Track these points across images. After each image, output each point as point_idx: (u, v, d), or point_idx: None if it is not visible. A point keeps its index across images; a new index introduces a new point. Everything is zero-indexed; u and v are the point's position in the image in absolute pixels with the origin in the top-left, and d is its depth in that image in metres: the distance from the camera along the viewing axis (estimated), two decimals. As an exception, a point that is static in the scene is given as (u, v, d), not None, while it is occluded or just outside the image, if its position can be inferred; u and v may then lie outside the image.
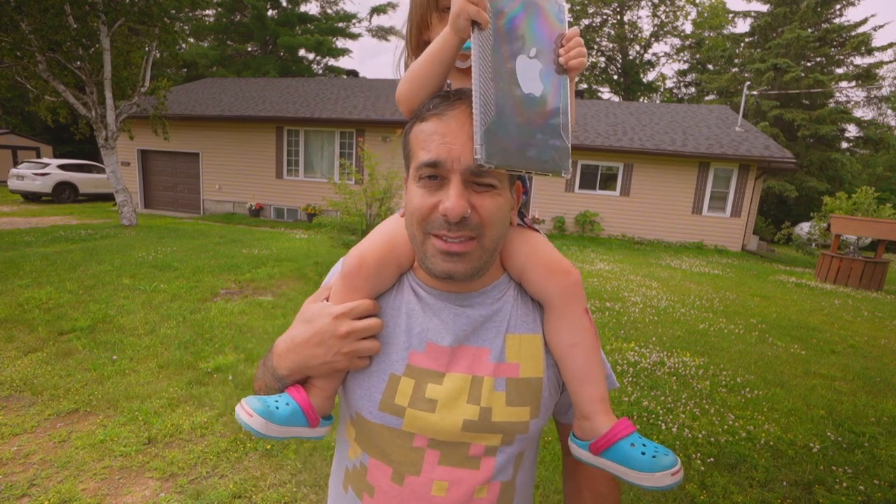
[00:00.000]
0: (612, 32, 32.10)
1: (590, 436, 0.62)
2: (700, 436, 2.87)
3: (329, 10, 29.94)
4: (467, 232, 0.57)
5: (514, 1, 0.55)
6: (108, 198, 15.97)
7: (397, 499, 0.63)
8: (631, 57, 32.68)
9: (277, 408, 0.59)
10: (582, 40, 0.59)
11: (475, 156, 0.51)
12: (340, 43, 29.57)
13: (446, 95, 0.59)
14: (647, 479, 0.56)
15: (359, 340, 0.62)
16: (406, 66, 0.72)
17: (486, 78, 0.52)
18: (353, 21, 29.46)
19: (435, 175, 0.57)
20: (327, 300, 0.66)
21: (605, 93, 33.89)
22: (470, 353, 0.64)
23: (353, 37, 29.71)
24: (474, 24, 0.52)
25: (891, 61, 23.29)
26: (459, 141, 0.55)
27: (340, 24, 29.07)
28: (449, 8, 0.57)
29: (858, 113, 25.60)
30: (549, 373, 0.66)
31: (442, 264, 0.59)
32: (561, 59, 0.58)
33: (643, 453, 0.57)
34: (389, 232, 0.66)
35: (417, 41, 0.70)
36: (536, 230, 0.70)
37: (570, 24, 0.59)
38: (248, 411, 0.58)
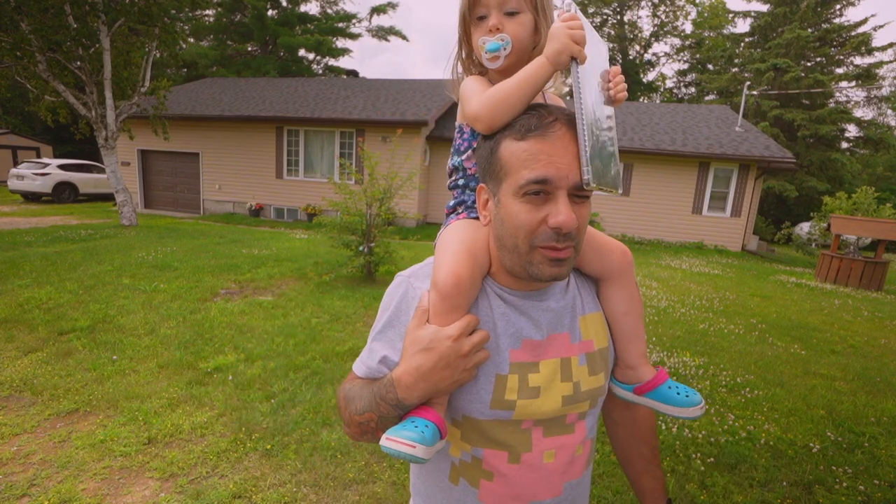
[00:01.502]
0: (612, 32, 32.10)
1: (634, 381, 0.79)
2: (700, 436, 2.87)
3: (329, 10, 29.95)
4: (570, 241, 0.64)
5: (594, 46, 0.64)
6: (108, 198, 15.97)
7: (517, 475, 0.72)
8: (631, 57, 32.67)
9: (424, 433, 0.62)
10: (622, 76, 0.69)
11: (584, 177, 0.60)
12: (340, 43, 29.60)
13: (539, 115, 0.64)
14: (682, 412, 0.76)
15: (476, 354, 0.67)
16: (458, 70, 0.79)
17: (588, 109, 0.61)
18: (353, 21, 29.48)
19: (540, 191, 0.62)
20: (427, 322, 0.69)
21: (605, 93, 33.88)
22: (557, 340, 0.73)
23: (353, 37, 29.72)
24: (573, 59, 0.61)
25: (891, 61, 23.30)
26: (565, 161, 0.62)
27: (340, 24, 29.07)
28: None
29: (858, 113, 25.62)
30: (609, 340, 0.79)
31: (549, 270, 0.65)
32: (611, 93, 0.69)
33: (678, 394, 0.77)
34: (468, 244, 0.70)
35: (468, 50, 0.77)
36: None
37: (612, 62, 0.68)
38: (408, 444, 0.60)
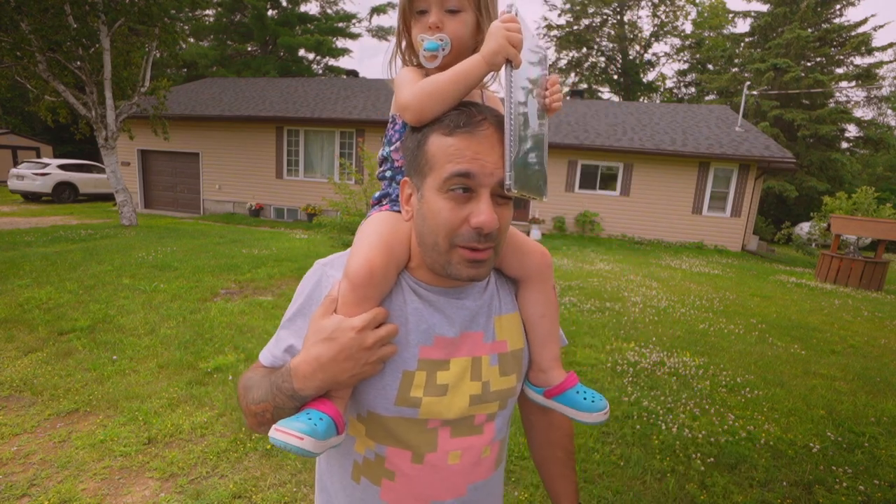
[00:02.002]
0: (612, 32, 32.09)
1: (544, 384, 0.78)
2: (700, 436, 2.87)
3: (329, 10, 29.95)
4: (491, 242, 0.64)
5: (528, 44, 0.63)
6: (108, 198, 15.97)
7: (419, 476, 0.70)
8: (631, 57, 32.67)
9: (316, 425, 0.59)
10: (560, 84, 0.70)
11: (506, 182, 0.60)
12: (340, 43, 29.60)
13: (469, 112, 0.63)
14: (586, 416, 0.74)
15: (380, 347, 0.64)
16: (395, 65, 0.76)
17: (515, 115, 0.60)
18: (353, 21, 29.48)
19: (465, 187, 0.61)
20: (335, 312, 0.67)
21: (605, 93, 33.92)
22: (470, 338, 0.72)
23: (353, 37, 29.72)
24: (507, 61, 0.60)
25: (891, 61, 23.31)
26: (491, 160, 0.61)
27: (340, 24, 29.07)
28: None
29: (858, 113, 25.62)
30: (525, 342, 0.79)
31: (467, 271, 0.64)
32: (546, 101, 0.68)
33: (584, 398, 0.75)
34: (386, 236, 0.68)
35: (408, 42, 0.74)
36: None
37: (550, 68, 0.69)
38: (296, 435, 0.57)
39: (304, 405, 0.63)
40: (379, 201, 0.76)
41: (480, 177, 0.61)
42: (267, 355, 0.73)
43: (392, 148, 0.74)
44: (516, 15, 0.61)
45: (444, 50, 0.67)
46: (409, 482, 0.70)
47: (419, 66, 0.72)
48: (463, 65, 0.63)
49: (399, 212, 0.72)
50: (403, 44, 0.75)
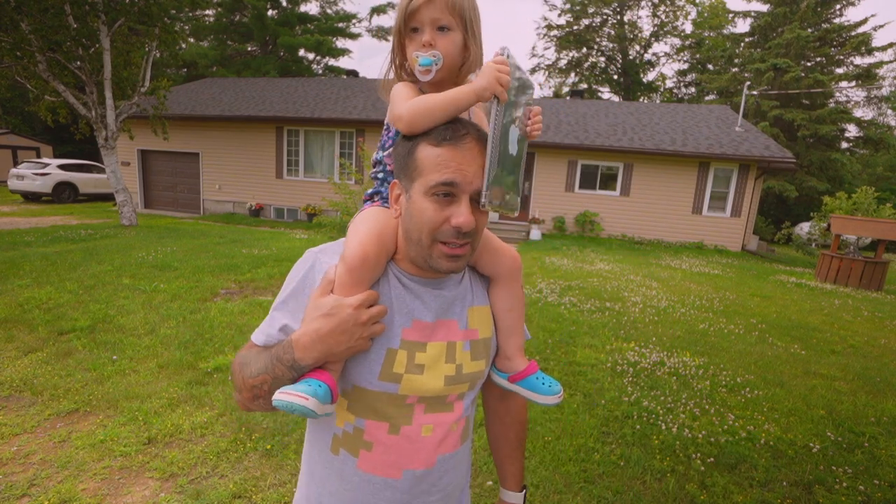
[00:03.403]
0: (612, 32, 32.09)
1: (509, 370, 0.88)
2: (700, 436, 2.87)
3: (329, 10, 29.95)
4: (467, 240, 0.73)
5: (515, 81, 0.71)
6: (108, 198, 15.97)
7: (395, 445, 0.78)
8: (631, 57, 32.67)
9: (317, 390, 0.67)
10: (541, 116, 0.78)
11: (482, 199, 0.70)
12: (340, 43, 29.60)
13: (454, 128, 0.71)
14: (543, 399, 0.85)
15: (373, 324, 0.73)
16: (389, 76, 0.85)
17: (496, 141, 0.70)
18: (353, 21, 29.48)
19: (449, 193, 0.70)
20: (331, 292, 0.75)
21: (605, 93, 33.91)
22: (445, 325, 0.80)
23: (353, 37, 29.73)
24: (494, 97, 0.69)
25: (891, 61, 23.29)
26: (471, 170, 0.70)
27: (340, 24, 29.07)
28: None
29: (858, 113, 25.62)
30: (493, 332, 0.88)
31: (446, 264, 0.73)
32: (528, 129, 0.76)
33: (543, 384, 0.86)
34: (378, 228, 0.77)
35: (401, 59, 0.82)
36: None
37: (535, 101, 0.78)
38: (301, 396, 0.65)
39: (302, 376, 0.70)
40: (371, 198, 0.85)
41: (462, 185, 0.70)
42: (260, 335, 0.79)
43: (385, 153, 0.82)
44: (508, 57, 0.70)
45: (436, 65, 0.75)
46: (385, 451, 0.78)
47: (412, 81, 0.80)
48: (455, 92, 0.71)
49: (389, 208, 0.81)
50: (398, 61, 0.82)
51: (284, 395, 0.65)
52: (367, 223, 0.77)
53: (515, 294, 0.87)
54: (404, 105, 0.73)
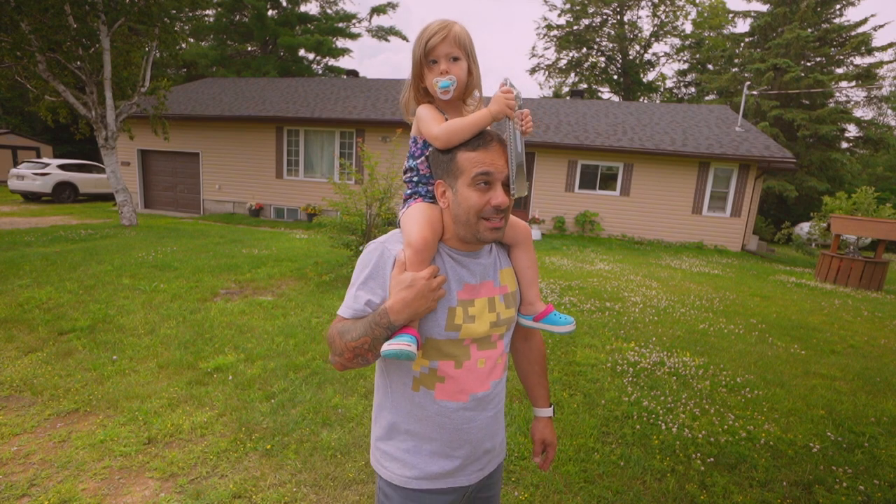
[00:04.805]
0: (612, 32, 32.06)
1: (532, 313, 1.15)
2: (700, 436, 2.87)
3: (329, 10, 29.92)
4: (503, 214, 0.98)
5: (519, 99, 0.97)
6: (108, 198, 15.97)
7: (460, 376, 1.04)
8: (631, 57, 32.65)
9: (411, 340, 0.92)
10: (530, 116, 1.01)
11: (511, 190, 0.97)
12: (340, 43, 29.56)
13: (483, 136, 0.96)
14: (562, 328, 1.12)
15: (439, 290, 0.97)
16: (410, 104, 1.09)
17: (513, 147, 0.95)
18: (353, 21, 29.45)
19: (486, 181, 0.95)
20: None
21: (605, 93, 33.88)
22: (485, 285, 1.07)
23: (353, 37, 29.69)
24: (508, 118, 0.95)
25: (891, 61, 23.25)
26: (500, 163, 0.96)
27: (340, 24, 29.04)
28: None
29: (858, 113, 25.60)
30: (517, 286, 1.15)
31: (491, 235, 0.99)
32: (523, 128, 0.98)
33: (560, 319, 1.13)
34: (428, 218, 1.01)
35: (418, 87, 1.05)
36: None
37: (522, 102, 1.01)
38: (406, 344, 0.90)
39: (394, 333, 0.94)
40: (411, 196, 1.08)
41: (495, 174, 0.95)
42: (347, 310, 1.02)
43: (418, 161, 1.06)
44: (510, 86, 0.95)
45: (453, 87, 0.99)
46: (454, 382, 1.04)
47: (429, 102, 1.04)
48: (476, 116, 0.95)
49: (430, 202, 1.05)
50: (418, 87, 1.05)
51: (392, 346, 0.90)
52: (419, 215, 1.01)
53: (530, 255, 1.14)
54: (438, 128, 0.97)
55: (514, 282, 1.15)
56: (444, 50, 0.99)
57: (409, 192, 1.09)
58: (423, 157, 1.05)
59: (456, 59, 1.00)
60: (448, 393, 1.04)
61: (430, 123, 0.98)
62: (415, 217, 1.01)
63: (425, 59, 1.00)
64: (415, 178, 1.07)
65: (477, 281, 1.05)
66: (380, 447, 1.12)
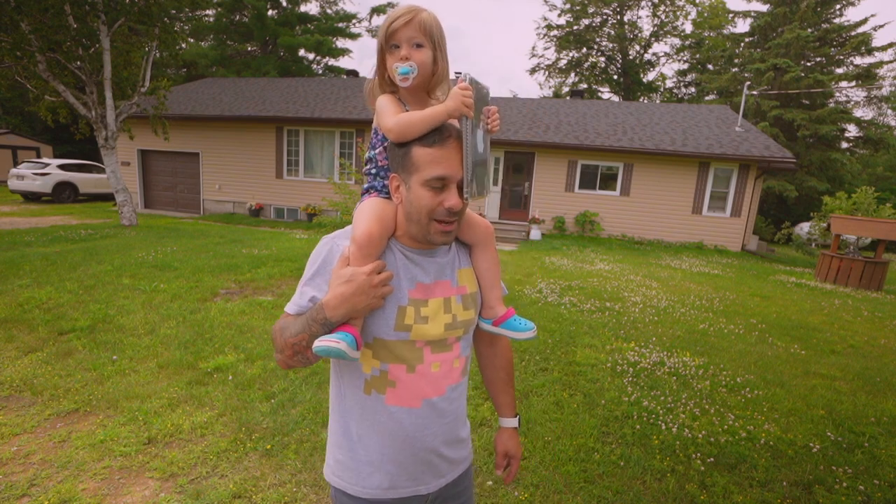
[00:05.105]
0: (612, 32, 32.06)
1: (492, 316, 1.09)
2: (700, 436, 2.87)
3: (329, 10, 29.93)
4: (455, 217, 0.94)
5: (475, 94, 0.89)
6: (108, 198, 15.97)
7: (413, 381, 0.99)
8: (631, 57, 32.65)
9: (345, 338, 0.86)
10: (498, 113, 0.98)
11: (465, 192, 0.91)
12: (340, 43, 29.57)
13: (440, 132, 0.90)
14: (521, 335, 1.06)
15: (383, 286, 0.91)
16: (374, 91, 1.01)
17: (470, 145, 0.89)
18: (353, 21, 29.46)
19: (440, 185, 0.90)
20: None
21: (605, 93, 33.88)
22: (441, 284, 1.01)
23: (353, 37, 29.70)
24: (463, 116, 0.88)
25: (891, 61, 23.25)
26: (456, 164, 0.90)
27: (340, 24, 29.05)
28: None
29: (858, 113, 25.61)
30: (478, 287, 1.09)
31: (441, 238, 0.95)
32: (489, 126, 0.97)
33: (519, 324, 1.07)
34: (379, 213, 0.96)
35: (382, 75, 0.98)
36: None
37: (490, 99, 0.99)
38: (335, 341, 0.84)
39: (332, 330, 0.88)
40: (367, 191, 1.03)
41: (450, 177, 0.90)
42: (293, 306, 0.98)
43: (376, 152, 0.99)
44: (470, 81, 0.89)
45: (413, 74, 0.91)
46: (406, 386, 0.98)
47: (393, 91, 0.97)
48: (432, 111, 0.88)
49: (385, 197, 0.99)
50: (382, 74, 0.98)
51: (322, 342, 0.85)
52: (370, 210, 0.96)
53: (491, 256, 1.09)
54: (392, 119, 0.90)
55: (475, 282, 1.09)
56: (406, 34, 0.91)
57: (366, 185, 1.04)
58: (381, 148, 0.99)
59: (419, 45, 0.92)
60: (399, 398, 0.99)
61: (385, 114, 0.92)
62: (364, 212, 0.96)
63: (386, 43, 0.93)
64: (373, 171, 1.01)
65: (431, 280, 1.00)
66: (333, 453, 1.07)
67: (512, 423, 1.23)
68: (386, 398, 0.99)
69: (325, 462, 1.11)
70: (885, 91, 25.01)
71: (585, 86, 32.61)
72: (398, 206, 0.97)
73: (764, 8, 24.60)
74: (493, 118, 0.96)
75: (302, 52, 28.94)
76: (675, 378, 3.73)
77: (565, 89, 33.70)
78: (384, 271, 0.93)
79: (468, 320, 1.05)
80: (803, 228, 14.91)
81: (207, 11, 26.62)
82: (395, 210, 0.98)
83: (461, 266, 1.06)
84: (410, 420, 1.00)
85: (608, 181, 13.29)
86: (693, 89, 31.43)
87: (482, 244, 1.08)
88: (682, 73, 32.14)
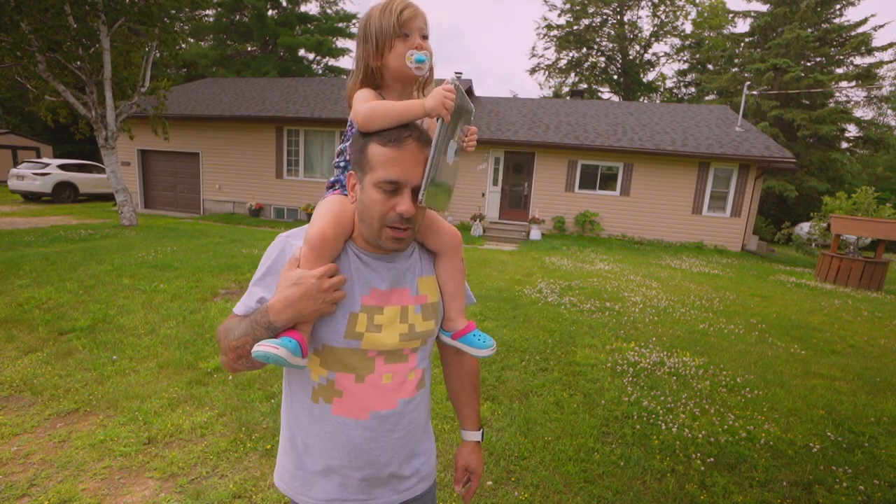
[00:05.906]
0: (612, 32, 32.07)
1: (452, 329, 1.04)
2: (700, 436, 2.87)
3: (329, 10, 29.94)
4: (409, 224, 0.87)
5: (458, 105, 0.85)
6: (108, 198, 15.97)
7: (361, 392, 0.93)
8: (631, 57, 32.65)
9: (287, 343, 0.81)
10: (477, 134, 0.95)
11: (419, 197, 0.83)
12: (340, 43, 29.59)
13: (399, 130, 0.84)
14: (478, 352, 1.01)
15: (334, 291, 0.86)
16: (356, 87, 0.96)
17: (438, 152, 0.83)
18: (353, 21, 29.46)
19: (392, 189, 0.84)
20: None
21: (605, 93, 33.88)
22: (398, 292, 0.95)
23: (353, 37, 29.70)
24: (439, 117, 0.83)
25: (891, 61, 23.26)
26: (410, 168, 0.84)
27: (340, 24, 29.07)
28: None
29: (858, 113, 25.61)
30: (440, 297, 1.03)
31: (392, 244, 0.89)
32: (464, 144, 0.92)
33: (479, 340, 1.02)
34: (336, 212, 0.91)
35: (367, 70, 0.93)
36: None
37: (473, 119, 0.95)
38: (274, 347, 0.79)
39: (277, 335, 0.83)
40: (332, 185, 0.98)
41: (404, 182, 0.84)
42: (241, 307, 0.92)
43: (347, 144, 0.94)
44: (455, 87, 0.83)
45: (429, 60, 0.89)
46: (353, 397, 0.93)
47: (374, 88, 0.93)
48: (408, 104, 0.84)
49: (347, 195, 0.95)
50: (376, 63, 0.92)
51: (261, 348, 0.79)
52: (327, 209, 0.91)
53: (456, 266, 1.03)
54: (363, 107, 0.86)
55: (437, 292, 1.02)
56: (418, 24, 0.89)
57: (332, 179, 0.99)
58: (351, 141, 0.93)
59: (425, 36, 0.91)
60: (346, 409, 0.93)
61: (359, 102, 0.88)
62: (322, 210, 0.92)
63: (399, 29, 0.88)
64: (342, 164, 0.97)
65: (387, 287, 0.94)
66: (280, 460, 1.03)
67: (475, 436, 1.17)
68: (333, 408, 0.94)
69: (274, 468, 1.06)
70: (884, 91, 25.02)
71: (585, 86, 32.61)
72: (354, 205, 0.91)
73: (764, 8, 24.61)
74: (471, 138, 0.93)
75: (302, 52, 28.95)
76: (675, 378, 3.73)
77: (565, 89, 33.71)
78: (337, 275, 0.88)
79: (427, 331, 0.99)
80: (803, 228, 14.91)
81: (207, 11, 26.64)
82: (353, 209, 0.93)
83: (423, 274, 1.00)
84: (358, 433, 0.94)
85: (608, 181, 13.29)
86: (693, 89, 31.43)
87: (448, 253, 1.02)
88: (682, 73, 32.15)
